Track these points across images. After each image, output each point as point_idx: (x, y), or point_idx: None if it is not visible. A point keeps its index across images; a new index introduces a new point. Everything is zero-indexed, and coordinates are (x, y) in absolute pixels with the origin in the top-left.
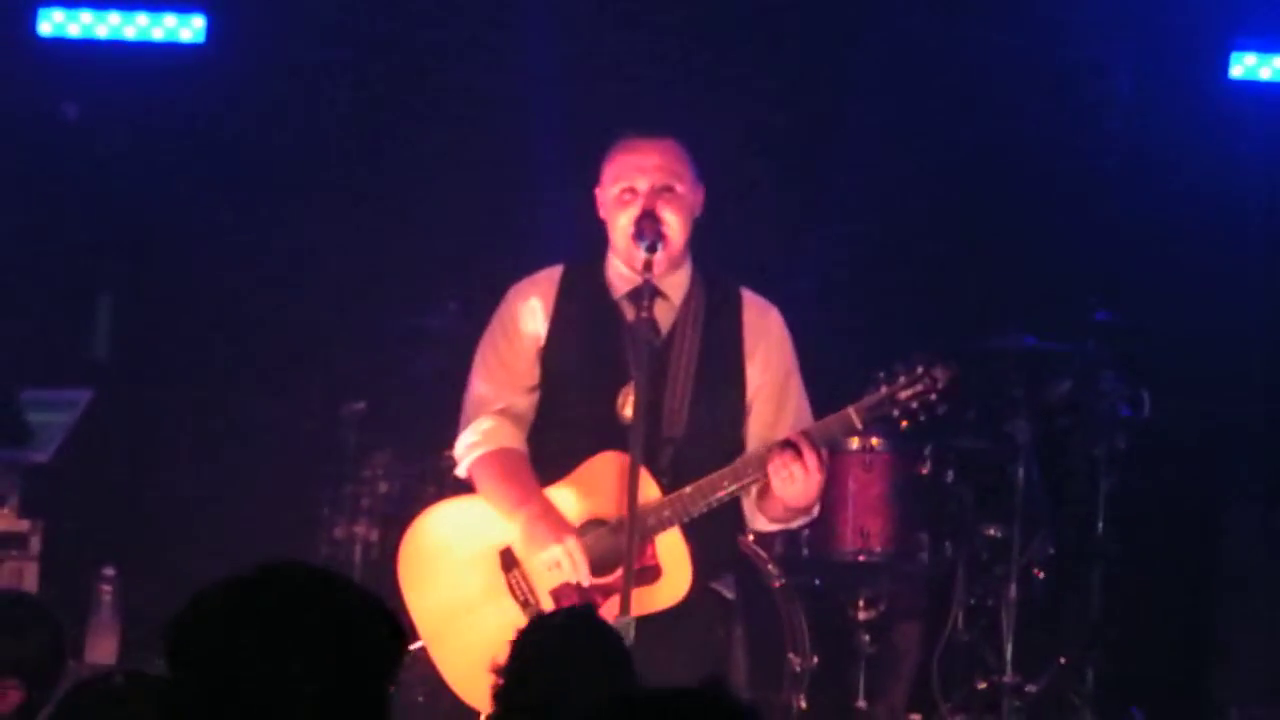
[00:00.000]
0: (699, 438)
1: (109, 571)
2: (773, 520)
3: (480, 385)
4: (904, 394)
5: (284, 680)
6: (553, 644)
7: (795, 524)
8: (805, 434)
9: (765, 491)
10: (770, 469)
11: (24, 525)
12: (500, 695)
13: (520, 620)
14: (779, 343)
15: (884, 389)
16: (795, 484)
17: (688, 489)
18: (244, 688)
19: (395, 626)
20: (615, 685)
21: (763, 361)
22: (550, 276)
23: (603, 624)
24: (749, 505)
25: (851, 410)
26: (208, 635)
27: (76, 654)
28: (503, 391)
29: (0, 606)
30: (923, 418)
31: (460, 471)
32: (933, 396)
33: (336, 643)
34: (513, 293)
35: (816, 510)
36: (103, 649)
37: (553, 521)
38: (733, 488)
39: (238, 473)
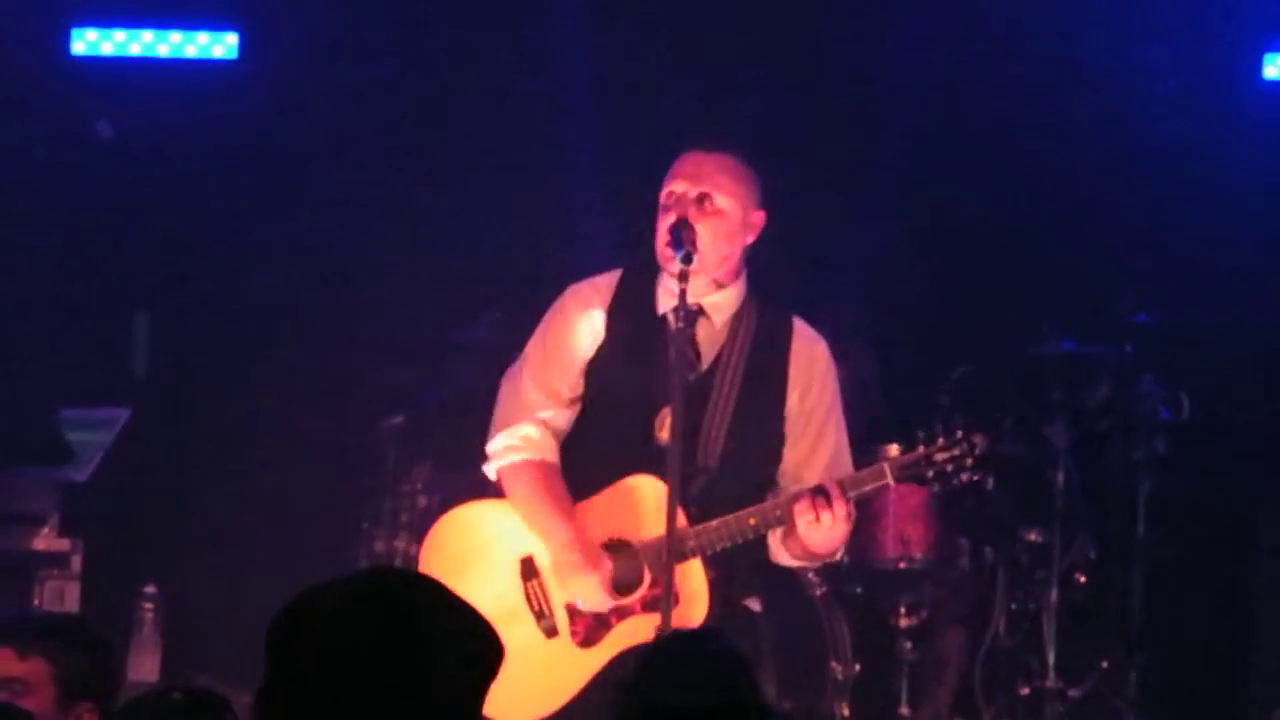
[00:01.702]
0: (732, 469)
1: (150, 589)
2: (794, 558)
3: (527, 380)
4: (940, 455)
5: (392, 684)
6: (671, 658)
7: (815, 565)
8: (839, 483)
9: (790, 530)
10: (795, 511)
11: (64, 544)
12: (617, 702)
13: (533, 630)
14: (823, 378)
15: (922, 449)
16: (819, 531)
17: (714, 523)
18: (353, 689)
19: (493, 634)
20: (731, 704)
21: (803, 395)
22: (609, 283)
23: (728, 644)
24: (774, 539)
25: (886, 465)
26: (317, 637)
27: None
28: (548, 392)
29: (64, 630)
30: (955, 481)
31: (490, 471)
32: (968, 461)
33: (448, 647)
34: (574, 296)
35: (840, 556)
36: (145, 667)
37: (585, 552)
38: (759, 526)
39: (277, 488)
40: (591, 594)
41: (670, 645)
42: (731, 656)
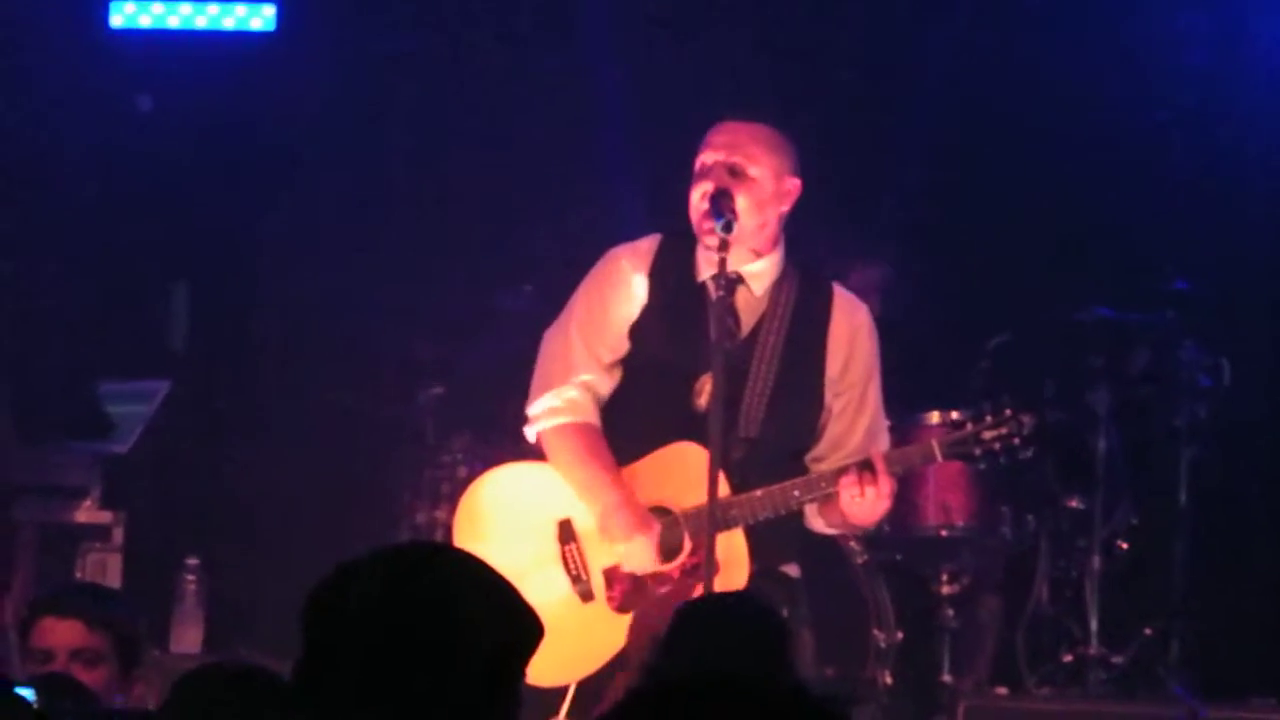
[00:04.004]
0: (774, 437)
1: (192, 561)
2: (830, 526)
3: (572, 341)
4: (989, 434)
5: (428, 659)
6: (709, 620)
7: (850, 533)
8: (885, 458)
9: (830, 500)
10: (841, 485)
11: (106, 517)
12: (648, 666)
13: (568, 593)
14: (865, 345)
15: (970, 426)
16: (862, 505)
17: (758, 492)
18: (389, 662)
19: (531, 610)
20: (763, 668)
21: (846, 363)
22: (650, 248)
23: (764, 608)
24: (810, 507)
25: (935, 442)
26: (353, 612)
27: (162, 644)
28: (592, 354)
29: (122, 603)
30: (1003, 460)
31: (531, 434)
32: (1016, 440)
33: (485, 621)
34: (614, 258)
35: (873, 528)
36: (188, 639)
37: (635, 512)
38: (804, 498)
39: (317, 460)
40: (640, 555)
41: (701, 609)
42: (760, 622)
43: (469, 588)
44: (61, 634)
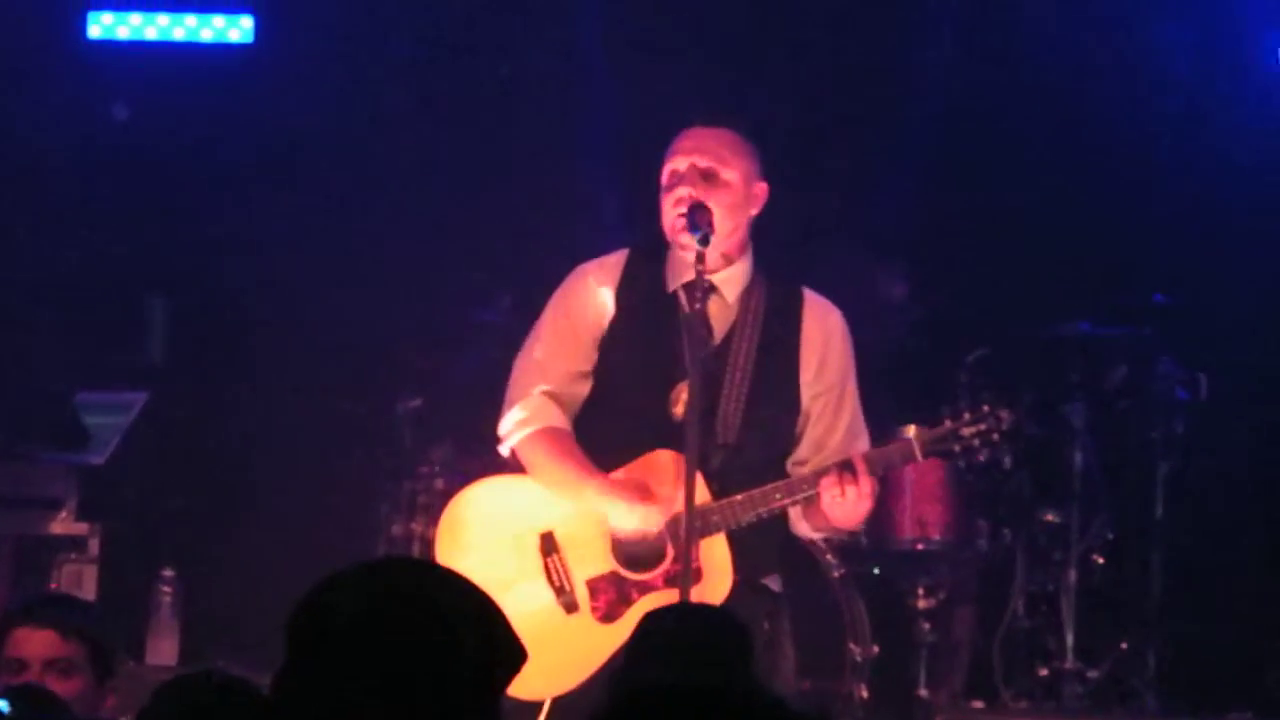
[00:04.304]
0: (751, 443)
1: (168, 573)
2: (815, 530)
3: (537, 352)
4: (967, 430)
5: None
6: (672, 630)
7: (835, 536)
8: (865, 458)
9: (812, 503)
10: (821, 486)
11: (82, 528)
12: (615, 677)
13: (552, 605)
14: (839, 347)
15: (948, 423)
16: (844, 506)
17: (739, 497)
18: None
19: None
20: (730, 676)
21: (820, 366)
22: (618, 262)
23: (728, 617)
24: (794, 511)
25: (914, 441)
26: (335, 630)
27: (138, 656)
28: (558, 366)
29: (94, 612)
30: (982, 456)
31: (504, 449)
32: (995, 436)
33: (464, 637)
34: (581, 274)
35: (860, 529)
36: (164, 650)
37: (625, 485)
38: (785, 501)
39: (295, 471)
40: (654, 516)
41: (659, 620)
42: (726, 632)
43: (452, 604)
44: (35, 644)
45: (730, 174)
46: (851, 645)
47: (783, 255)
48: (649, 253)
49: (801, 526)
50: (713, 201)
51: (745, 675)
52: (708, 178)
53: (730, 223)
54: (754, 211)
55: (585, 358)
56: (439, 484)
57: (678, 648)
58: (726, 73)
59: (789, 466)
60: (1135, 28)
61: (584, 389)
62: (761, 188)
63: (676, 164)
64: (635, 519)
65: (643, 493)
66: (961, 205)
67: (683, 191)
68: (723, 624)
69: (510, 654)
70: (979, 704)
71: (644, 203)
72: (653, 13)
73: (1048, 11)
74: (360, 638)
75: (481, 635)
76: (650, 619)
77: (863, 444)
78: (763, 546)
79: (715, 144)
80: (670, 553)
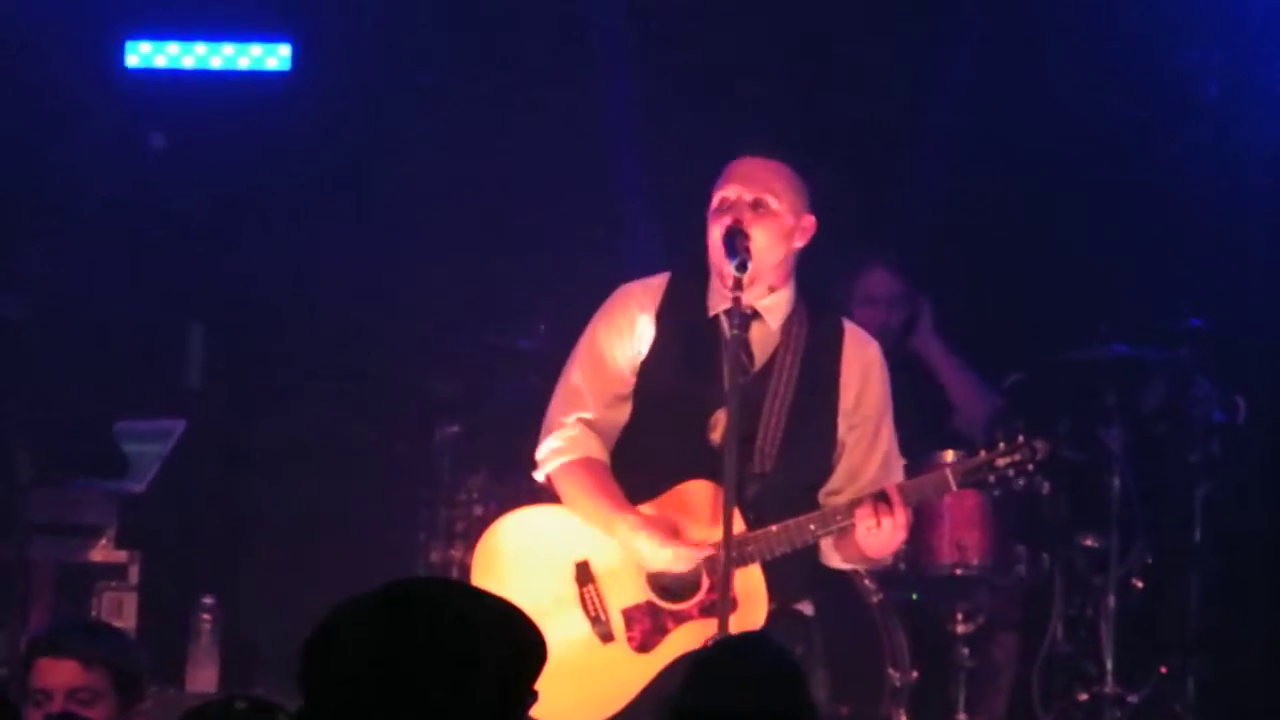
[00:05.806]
0: (787, 472)
1: (208, 600)
2: (846, 561)
3: (575, 376)
4: (1002, 460)
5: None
6: (727, 661)
7: (865, 567)
8: (900, 489)
9: (845, 534)
10: (857, 516)
11: (122, 556)
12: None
13: (588, 635)
14: (877, 380)
15: (983, 454)
16: (878, 537)
17: (774, 528)
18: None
19: (532, 626)
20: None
21: (859, 398)
22: (660, 284)
23: (782, 648)
24: (826, 542)
25: (948, 471)
26: (346, 656)
27: (178, 683)
28: (596, 391)
29: (117, 636)
30: (1016, 486)
31: (540, 475)
32: (1030, 466)
33: (485, 645)
34: (623, 295)
35: (889, 561)
36: (203, 678)
37: (656, 523)
38: (820, 532)
39: (333, 499)
40: (683, 558)
41: (720, 649)
42: (781, 661)
43: (463, 612)
44: (58, 674)
45: (779, 204)
46: (890, 670)
47: (819, 278)
48: (691, 276)
49: (833, 558)
50: (758, 229)
51: (804, 703)
52: (756, 207)
53: (778, 252)
54: (800, 244)
55: (624, 381)
56: (477, 511)
57: (734, 677)
58: (754, 95)
59: (821, 497)
60: (1165, 51)
61: (623, 413)
62: (810, 221)
63: (727, 191)
64: (665, 558)
65: (673, 532)
66: (996, 229)
67: (729, 220)
68: (778, 653)
69: (531, 649)
70: None
71: (678, 227)
72: (680, 33)
73: (1075, 33)
74: (369, 660)
75: (498, 635)
76: (704, 649)
77: (897, 475)
78: (796, 573)
79: (765, 174)
80: (705, 583)
